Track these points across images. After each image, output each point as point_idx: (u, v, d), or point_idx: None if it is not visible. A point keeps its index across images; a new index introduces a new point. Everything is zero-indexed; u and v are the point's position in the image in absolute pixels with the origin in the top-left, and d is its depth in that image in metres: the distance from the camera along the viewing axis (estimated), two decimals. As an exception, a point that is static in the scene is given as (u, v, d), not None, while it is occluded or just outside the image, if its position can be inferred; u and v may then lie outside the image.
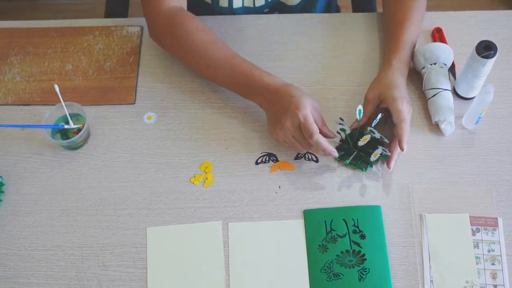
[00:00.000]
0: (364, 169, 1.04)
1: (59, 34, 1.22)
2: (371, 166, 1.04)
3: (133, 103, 1.13)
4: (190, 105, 1.13)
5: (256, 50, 1.20)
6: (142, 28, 1.23)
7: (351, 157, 1.03)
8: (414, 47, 1.12)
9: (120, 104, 1.12)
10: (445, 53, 1.10)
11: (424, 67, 1.11)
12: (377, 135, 0.99)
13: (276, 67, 1.17)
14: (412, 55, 1.13)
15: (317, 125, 0.97)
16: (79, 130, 1.06)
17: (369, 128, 0.99)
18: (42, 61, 1.19)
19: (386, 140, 1.00)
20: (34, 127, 1.07)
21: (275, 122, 1.00)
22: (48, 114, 1.05)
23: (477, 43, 1.01)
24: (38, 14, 2.29)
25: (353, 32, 1.22)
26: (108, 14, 1.45)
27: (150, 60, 1.19)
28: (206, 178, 1.04)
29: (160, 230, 0.99)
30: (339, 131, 1.01)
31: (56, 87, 1.03)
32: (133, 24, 1.23)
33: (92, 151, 1.08)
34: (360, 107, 0.99)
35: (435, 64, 1.10)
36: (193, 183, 1.04)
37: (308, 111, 0.96)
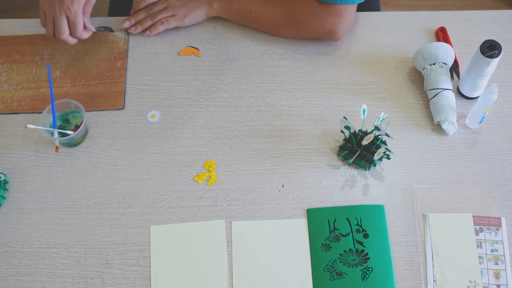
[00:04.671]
0: (367, 168, 1.04)
1: (45, 41, 1.22)
2: (375, 165, 1.04)
3: (122, 108, 1.13)
4: (194, 103, 1.13)
5: (260, 49, 1.20)
6: (128, 33, 1.22)
7: (354, 156, 1.03)
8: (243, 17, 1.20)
9: (109, 109, 1.12)
10: (443, 52, 1.10)
11: (424, 68, 1.11)
12: (383, 132, 0.99)
13: (279, 65, 1.17)
14: (413, 57, 1.13)
15: (84, 13, 1.08)
16: (76, 127, 1.07)
17: (374, 125, 0.99)
18: (30, 69, 1.18)
19: (391, 138, 1.00)
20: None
21: None
22: (46, 111, 1.05)
23: (481, 42, 1.01)
24: (41, 13, 2.29)
25: (357, 31, 1.22)
26: (111, 13, 1.45)
27: (144, 60, 1.19)
28: (210, 177, 1.04)
29: (164, 229, 1.00)
30: (344, 129, 1.02)
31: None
32: (120, 30, 1.23)
33: (96, 149, 1.08)
34: (364, 106, 0.99)
35: (434, 64, 1.10)
36: (197, 181, 1.04)
37: (80, 9, 1.05)
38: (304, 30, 1.16)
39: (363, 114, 1.00)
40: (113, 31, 1.21)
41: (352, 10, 1.13)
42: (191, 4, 1.20)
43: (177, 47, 1.20)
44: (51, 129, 1.04)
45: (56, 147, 1.03)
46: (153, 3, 1.21)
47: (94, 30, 1.13)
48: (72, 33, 1.08)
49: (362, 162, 1.03)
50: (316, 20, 1.13)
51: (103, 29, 1.20)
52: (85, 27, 1.10)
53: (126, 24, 1.20)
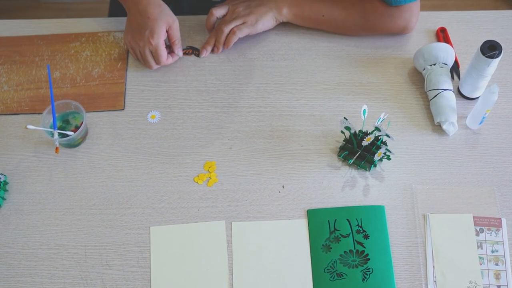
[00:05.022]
0: (367, 169, 1.04)
1: (45, 41, 1.22)
2: (375, 165, 1.04)
3: (122, 109, 1.13)
4: (194, 104, 1.13)
5: (261, 50, 1.20)
6: None
7: (354, 157, 1.03)
8: (316, 22, 1.20)
9: (109, 110, 1.12)
10: (444, 52, 1.10)
11: (424, 69, 1.11)
12: (383, 132, 0.99)
13: (280, 66, 1.17)
14: (413, 57, 1.14)
15: (171, 41, 1.13)
16: (76, 127, 1.07)
17: (375, 126, 0.99)
18: (30, 70, 1.18)
19: (391, 138, 1.00)
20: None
21: (130, 32, 1.13)
22: (45, 112, 1.05)
23: (481, 43, 1.01)
24: (41, 13, 2.29)
25: (357, 32, 1.22)
26: (111, 13, 1.45)
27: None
28: (210, 178, 1.04)
29: (164, 230, 0.99)
30: (344, 129, 1.01)
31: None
32: (120, 30, 1.23)
33: (96, 150, 1.08)
34: (365, 106, 0.99)
35: (434, 64, 1.10)
36: (197, 182, 1.04)
37: (161, 41, 1.10)
38: (378, 30, 1.19)
39: (364, 115, 1.00)
40: (199, 54, 1.20)
41: (419, 3, 1.16)
42: (259, 10, 1.18)
43: (177, 48, 1.20)
44: (51, 129, 1.04)
45: (56, 148, 1.03)
46: (222, 18, 1.21)
47: (181, 55, 1.16)
48: (156, 63, 1.14)
49: (363, 162, 1.03)
50: (390, 21, 1.16)
51: (190, 51, 1.20)
52: (172, 52, 1.15)
53: (204, 54, 1.19)
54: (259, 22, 1.17)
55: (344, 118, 1.01)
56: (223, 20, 1.20)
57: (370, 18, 1.16)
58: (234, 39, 1.17)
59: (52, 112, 1.05)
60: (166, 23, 1.09)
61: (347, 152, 1.04)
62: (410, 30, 1.19)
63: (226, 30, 1.17)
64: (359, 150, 1.03)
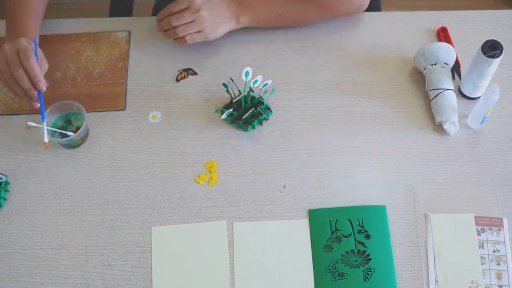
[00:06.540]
0: (245, 130, 1.08)
1: (46, 42, 1.21)
2: (253, 127, 1.08)
3: (123, 109, 1.13)
4: (195, 104, 1.13)
5: (261, 49, 1.20)
6: (129, 33, 1.22)
7: (226, 113, 1.06)
8: (273, 19, 1.19)
9: (110, 110, 1.12)
10: (445, 52, 1.10)
11: (425, 68, 1.11)
12: (257, 94, 1.06)
13: (280, 66, 1.17)
14: (414, 57, 1.14)
15: None
16: (78, 128, 1.07)
17: (249, 86, 1.05)
18: None
19: (263, 102, 1.08)
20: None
21: None
22: (47, 112, 1.05)
23: (482, 42, 1.01)
24: (42, 14, 2.29)
25: (358, 32, 1.22)
26: (112, 14, 1.45)
27: (145, 61, 1.19)
28: (211, 178, 1.04)
29: (165, 230, 0.99)
30: (224, 86, 1.08)
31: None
32: (121, 30, 1.23)
33: (97, 150, 1.08)
34: (248, 69, 1.04)
35: (435, 64, 1.10)
36: (198, 182, 1.04)
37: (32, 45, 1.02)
38: (336, 13, 1.20)
39: (246, 77, 1.04)
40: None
41: None
42: (218, 20, 1.13)
43: (178, 48, 1.20)
44: (52, 128, 1.04)
45: (45, 144, 1.00)
46: (181, 11, 1.12)
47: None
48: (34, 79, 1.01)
49: (240, 123, 1.08)
50: (348, 3, 1.17)
51: (185, 74, 1.18)
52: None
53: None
54: (214, 32, 1.14)
55: (231, 78, 1.09)
56: (182, 15, 1.11)
57: (329, 4, 1.16)
58: (186, 44, 1.14)
59: (46, 109, 1.04)
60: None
61: (232, 111, 1.07)
62: (364, 8, 1.20)
63: (180, 34, 1.12)
64: (240, 111, 1.08)
